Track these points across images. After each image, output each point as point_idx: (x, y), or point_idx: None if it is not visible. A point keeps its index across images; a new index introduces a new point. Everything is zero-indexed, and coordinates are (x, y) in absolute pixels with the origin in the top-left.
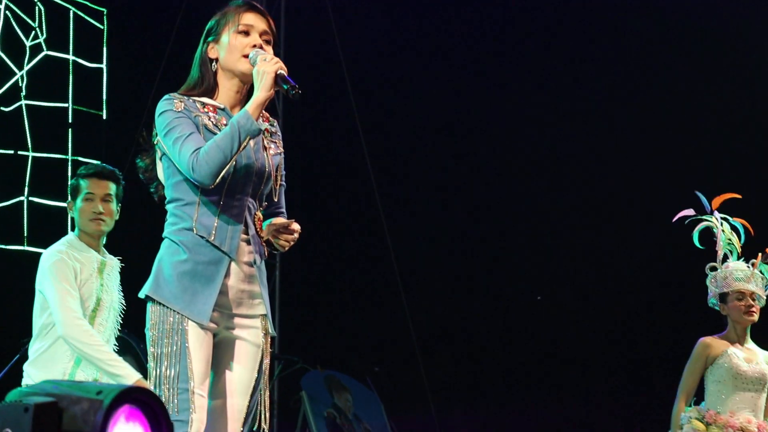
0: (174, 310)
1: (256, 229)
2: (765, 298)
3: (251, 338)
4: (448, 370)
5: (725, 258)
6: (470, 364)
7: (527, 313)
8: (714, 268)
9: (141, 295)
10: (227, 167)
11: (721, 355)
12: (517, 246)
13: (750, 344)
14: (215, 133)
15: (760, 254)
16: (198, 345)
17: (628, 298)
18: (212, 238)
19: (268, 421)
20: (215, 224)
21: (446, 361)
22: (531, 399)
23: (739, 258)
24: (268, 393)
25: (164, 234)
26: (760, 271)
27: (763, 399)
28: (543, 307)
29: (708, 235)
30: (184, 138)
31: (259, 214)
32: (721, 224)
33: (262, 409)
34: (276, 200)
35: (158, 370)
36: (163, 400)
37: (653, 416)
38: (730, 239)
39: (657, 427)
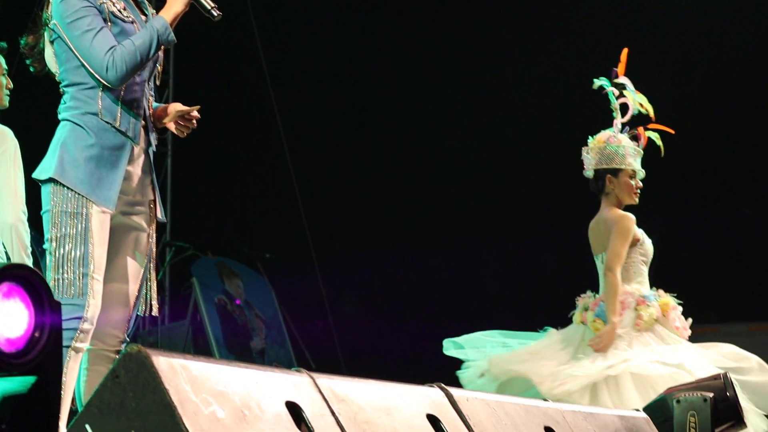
0: (79, 194)
1: (150, 113)
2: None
3: (143, 223)
4: (339, 256)
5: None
6: (362, 248)
7: (420, 194)
8: (608, 140)
9: (40, 176)
10: (138, 72)
11: (639, 234)
12: (405, 130)
13: None
14: (123, 20)
15: (640, 128)
16: (99, 229)
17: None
18: (117, 123)
19: (157, 308)
20: (119, 109)
21: (337, 247)
22: (424, 278)
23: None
24: (155, 278)
25: (64, 116)
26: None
27: None
28: (435, 187)
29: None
30: (95, 33)
31: (151, 99)
32: (629, 89)
33: (151, 293)
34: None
35: (61, 251)
36: (64, 282)
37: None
38: (641, 103)
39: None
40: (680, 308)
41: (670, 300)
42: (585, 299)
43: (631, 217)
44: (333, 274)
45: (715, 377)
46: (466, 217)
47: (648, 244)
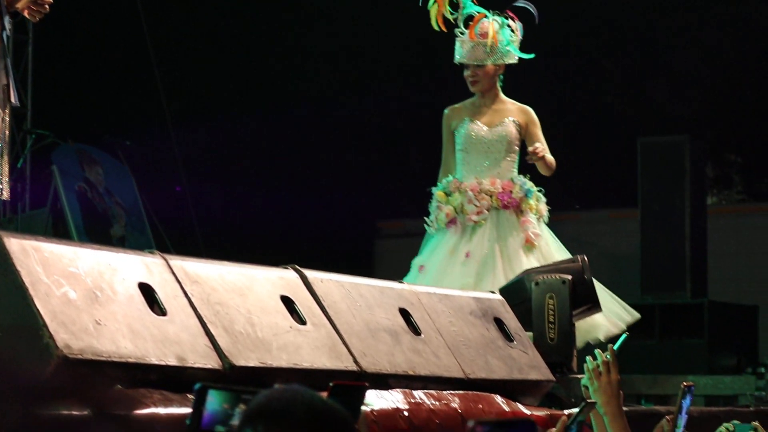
0: None
1: None
2: (488, 64)
3: None
4: (199, 144)
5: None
6: (222, 137)
7: (282, 82)
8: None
9: None
10: None
11: (461, 123)
12: (267, 20)
13: (498, 105)
14: None
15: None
16: None
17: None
18: None
19: (8, 192)
20: None
21: (198, 134)
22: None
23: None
24: (7, 162)
25: None
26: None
27: (508, 161)
28: (295, 72)
29: None
30: None
31: None
32: None
33: (2, 177)
34: None
35: None
36: None
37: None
38: None
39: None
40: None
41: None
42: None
43: None
44: (194, 161)
45: (572, 260)
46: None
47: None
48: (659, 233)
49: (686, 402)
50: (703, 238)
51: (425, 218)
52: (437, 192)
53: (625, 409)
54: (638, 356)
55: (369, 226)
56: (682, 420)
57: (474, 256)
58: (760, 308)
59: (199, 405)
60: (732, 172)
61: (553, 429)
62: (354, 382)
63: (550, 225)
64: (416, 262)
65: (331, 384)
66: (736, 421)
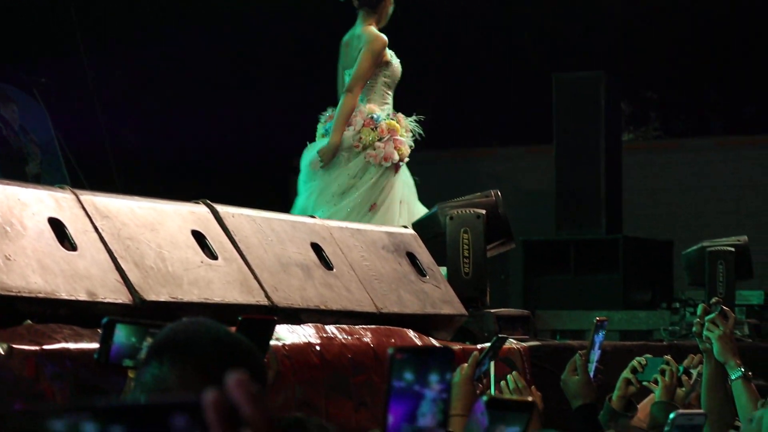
0: None
1: None
2: None
3: None
4: (118, 81)
5: None
6: (138, 71)
7: (198, 16)
8: None
9: None
10: None
11: (393, 56)
12: None
13: None
14: None
15: None
16: None
17: None
18: None
19: None
20: None
21: (117, 74)
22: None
23: None
24: None
25: None
26: None
27: None
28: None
29: None
30: None
31: None
32: None
33: None
34: None
35: None
36: None
37: None
38: None
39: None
40: (411, 134)
41: (400, 123)
42: (325, 115)
43: (384, 38)
44: (111, 98)
45: (486, 195)
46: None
47: (396, 66)
48: (574, 169)
49: (599, 337)
50: (618, 174)
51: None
52: (390, 122)
53: (537, 343)
54: (553, 292)
55: (284, 162)
56: (595, 355)
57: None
58: (675, 243)
59: (106, 339)
60: (648, 109)
61: (465, 364)
62: (262, 316)
63: (468, 161)
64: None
65: (239, 318)
66: (648, 355)
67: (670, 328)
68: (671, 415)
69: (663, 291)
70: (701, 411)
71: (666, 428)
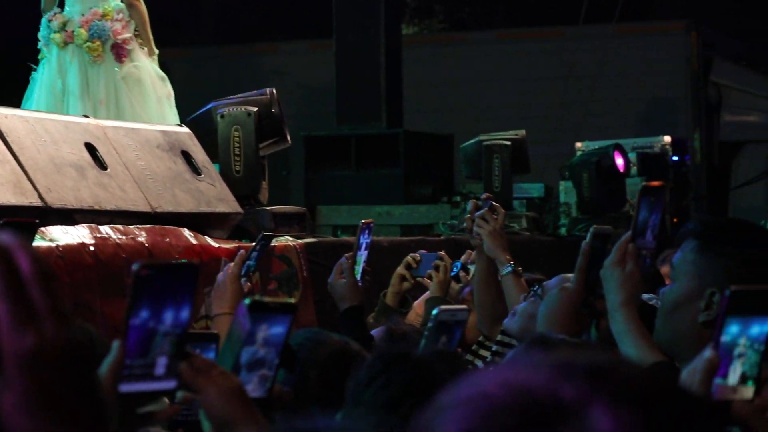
0: None
1: None
2: None
3: None
4: None
5: None
6: None
7: None
8: None
9: None
10: None
11: None
12: None
13: None
14: None
15: None
16: None
17: None
18: None
19: None
20: None
21: None
22: None
23: None
24: None
25: None
26: None
27: None
28: None
29: None
30: None
31: None
32: None
33: None
34: None
35: None
36: None
37: None
38: None
39: None
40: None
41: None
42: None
43: None
44: None
45: (261, 93)
46: None
47: None
48: (354, 64)
49: (365, 238)
50: (398, 68)
51: None
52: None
53: (314, 240)
54: (334, 187)
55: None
56: (362, 257)
57: None
58: (456, 137)
59: None
60: (432, 2)
61: (232, 263)
62: (24, 219)
63: (250, 57)
64: None
65: (1, 222)
66: (423, 251)
67: (450, 222)
68: (434, 311)
69: (444, 185)
70: (464, 306)
71: (429, 324)
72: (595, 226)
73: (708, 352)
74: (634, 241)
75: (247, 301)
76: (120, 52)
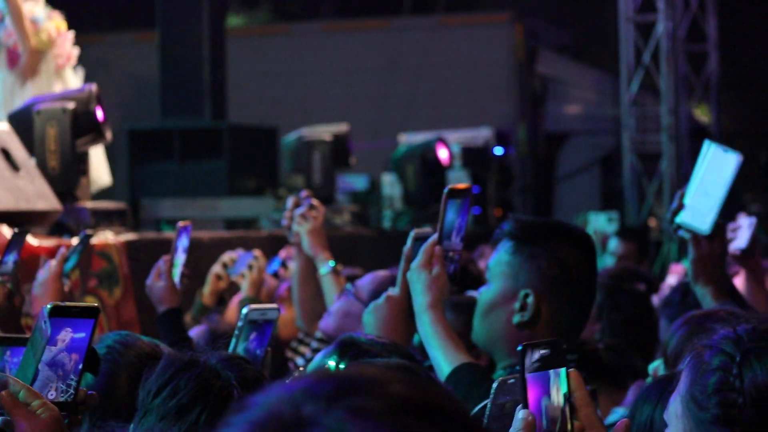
0: None
1: None
2: None
3: None
4: None
5: None
6: None
7: None
8: None
9: None
10: None
11: None
12: None
13: None
14: None
15: None
16: None
17: None
18: None
19: None
20: None
21: None
22: None
23: None
24: None
25: None
26: None
27: None
28: None
29: None
30: None
31: None
32: None
33: None
34: None
35: None
36: None
37: None
38: None
39: None
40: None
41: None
42: None
43: None
44: None
45: (80, 90)
46: None
47: None
48: (178, 56)
49: (182, 242)
50: (222, 60)
51: None
52: None
53: (135, 237)
54: (159, 180)
55: None
56: (180, 259)
57: None
58: (280, 130)
59: None
60: None
61: (53, 261)
62: None
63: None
64: None
65: None
66: (240, 249)
67: (273, 217)
68: (243, 310)
69: (269, 178)
70: (274, 305)
71: (239, 323)
72: (416, 229)
73: (521, 413)
74: (441, 243)
75: (48, 306)
76: None
